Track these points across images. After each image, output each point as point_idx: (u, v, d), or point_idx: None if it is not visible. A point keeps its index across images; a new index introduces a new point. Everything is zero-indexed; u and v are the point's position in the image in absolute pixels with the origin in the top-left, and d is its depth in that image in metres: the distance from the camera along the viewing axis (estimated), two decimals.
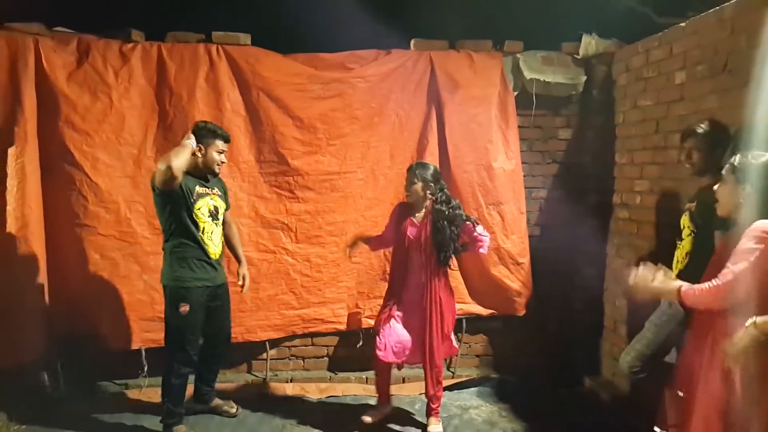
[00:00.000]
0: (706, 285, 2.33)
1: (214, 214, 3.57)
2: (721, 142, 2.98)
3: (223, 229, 3.73)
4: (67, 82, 3.92)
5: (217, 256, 3.62)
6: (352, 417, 3.93)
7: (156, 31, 4.16)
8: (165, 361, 3.56)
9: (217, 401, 3.99)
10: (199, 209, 3.47)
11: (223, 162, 3.59)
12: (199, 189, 3.49)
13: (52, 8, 4.06)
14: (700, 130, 3.01)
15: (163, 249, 3.57)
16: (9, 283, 3.80)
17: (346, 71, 4.29)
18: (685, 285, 2.43)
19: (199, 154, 3.48)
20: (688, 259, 3.01)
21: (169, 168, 3.20)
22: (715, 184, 2.96)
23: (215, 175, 3.62)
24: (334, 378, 4.54)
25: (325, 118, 4.26)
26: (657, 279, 2.54)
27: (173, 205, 3.41)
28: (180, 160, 3.26)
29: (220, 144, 3.52)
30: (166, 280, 3.52)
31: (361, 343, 4.47)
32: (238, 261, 3.91)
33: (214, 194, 3.59)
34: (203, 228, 3.50)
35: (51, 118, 3.90)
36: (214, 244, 3.58)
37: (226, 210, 3.73)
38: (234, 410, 3.96)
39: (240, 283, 3.83)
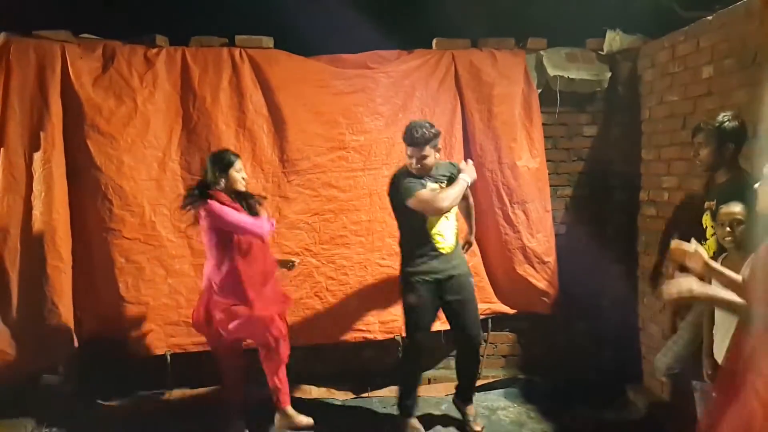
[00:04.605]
0: None
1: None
2: (732, 136, 2.90)
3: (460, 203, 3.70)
4: (92, 87, 3.95)
5: (449, 250, 3.61)
6: (378, 420, 3.92)
7: (180, 36, 4.20)
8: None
9: (468, 410, 3.93)
10: None
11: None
12: (430, 186, 3.51)
13: (78, 16, 4.11)
14: (706, 126, 2.97)
15: (400, 245, 3.76)
16: (36, 287, 3.83)
17: (368, 69, 4.30)
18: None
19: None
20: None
21: (441, 210, 3.43)
22: (731, 180, 2.92)
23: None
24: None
25: (348, 113, 4.25)
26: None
27: (406, 209, 3.51)
28: (455, 201, 3.45)
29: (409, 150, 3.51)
30: (400, 274, 3.69)
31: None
32: (470, 231, 4.00)
33: (443, 188, 3.58)
34: (431, 222, 3.54)
35: (77, 123, 3.93)
36: (444, 239, 3.59)
37: None
38: (479, 429, 3.84)
39: (464, 248, 3.93)
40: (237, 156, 3.57)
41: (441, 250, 3.59)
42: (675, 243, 2.53)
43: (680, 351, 3.16)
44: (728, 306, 2.29)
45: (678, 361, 3.17)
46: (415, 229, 3.57)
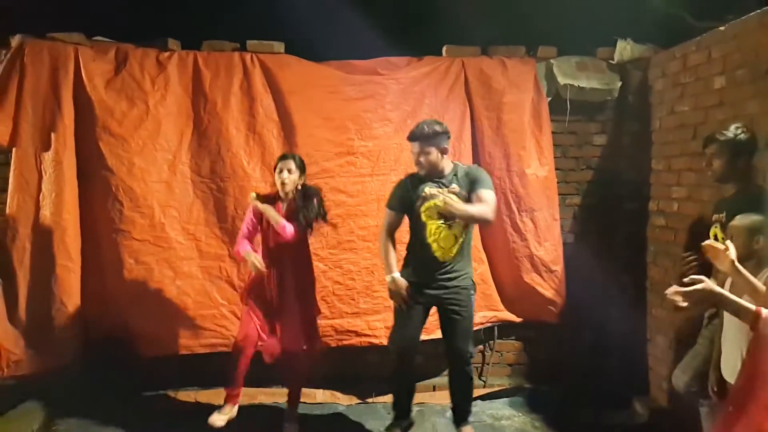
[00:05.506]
0: None
1: (446, 216, 3.37)
2: (744, 149, 2.89)
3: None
4: (105, 89, 4.00)
5: (447, 259, 3.47)
6: (383, 425, 3.91)
7: (192, 41, 4.24)
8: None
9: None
10: (425, 211, 3.39)
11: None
12: (428, 190, 3.38)
13: (91, 19, 4.19)
14: (720, 137, 2.93)
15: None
16: (45, 286, 3.87)
17: (378, 75, 4.32)
18: (765, 310, 2.15)
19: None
20: None
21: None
22: (741, 192, 2.90)
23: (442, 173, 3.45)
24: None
25: (357, 118, 4.27)
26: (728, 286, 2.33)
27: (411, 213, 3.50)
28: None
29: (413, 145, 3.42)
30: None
31: None
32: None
33: (451, 192, 3.38)
34: (430, 230, 3.42)
35: (89, 125, 3.98)
36: (441, 246, 3.44)
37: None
38: None
39: None
40: (283, 158, 3.62)
41: (437, 257, 3.45)
42: (708, 242, 2.50)
43: (699, 367, 3.04)
44: (737, 310, 2.24)
45: (697, 378, 3.04)
46: (414, 233, 3.54)
